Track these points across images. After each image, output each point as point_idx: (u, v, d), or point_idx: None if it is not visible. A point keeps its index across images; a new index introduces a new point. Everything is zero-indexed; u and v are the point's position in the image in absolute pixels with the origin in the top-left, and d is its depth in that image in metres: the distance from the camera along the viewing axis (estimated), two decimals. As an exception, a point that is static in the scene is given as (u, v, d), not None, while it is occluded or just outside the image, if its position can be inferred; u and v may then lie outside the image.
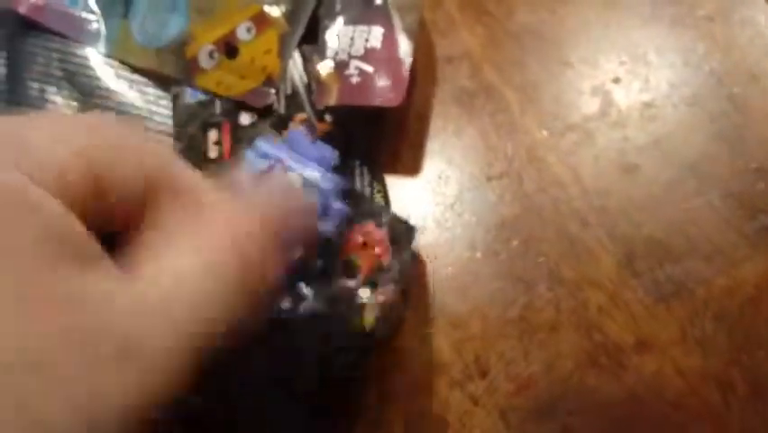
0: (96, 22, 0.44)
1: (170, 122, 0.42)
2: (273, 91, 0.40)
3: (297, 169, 0.26)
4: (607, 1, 0.44)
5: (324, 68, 0.40)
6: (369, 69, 0.39)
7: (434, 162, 0.41)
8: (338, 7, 0.42)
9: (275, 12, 0.42)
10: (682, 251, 0.37)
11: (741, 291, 0.35)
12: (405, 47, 0.40)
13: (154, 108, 0.43)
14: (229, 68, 0.41)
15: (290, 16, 0.42)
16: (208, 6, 0.42)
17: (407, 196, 0.40)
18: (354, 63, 0.40)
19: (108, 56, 0.43)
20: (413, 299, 0.37)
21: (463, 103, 0.42)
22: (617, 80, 0.42)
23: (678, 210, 0.38)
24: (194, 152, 0.41)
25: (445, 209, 0.39)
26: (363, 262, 0.34)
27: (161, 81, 0.43)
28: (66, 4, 0.44)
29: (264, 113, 0.40)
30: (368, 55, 0.40)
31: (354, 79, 0.39)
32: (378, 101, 0.39)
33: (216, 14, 0.42)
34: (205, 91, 0.41)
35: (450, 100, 0.42)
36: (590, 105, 0.41)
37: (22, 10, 0.43)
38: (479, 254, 0.38)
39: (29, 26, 0.44)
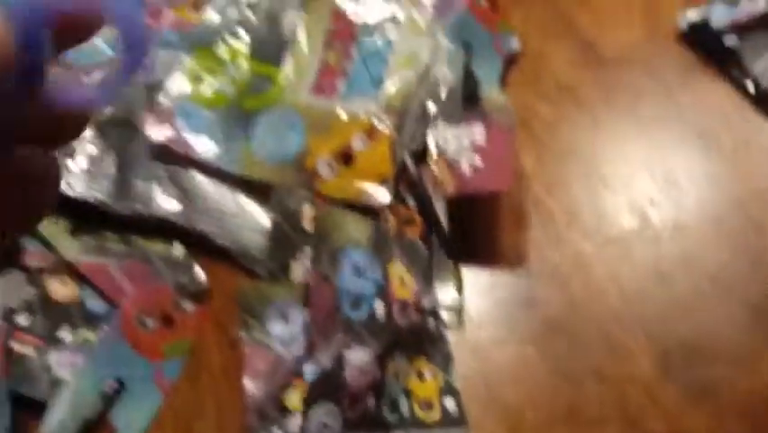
0: (217, 144, 0.52)
1: (259, 226, 0.50)
2: (388, 191, 0.49)
3: None
4: (641, 128, 0.53)
5: (438, 165, 0.49)
6: (478, 161, 0.48)
7: (491, 265, 0.50)
8: (441, 116, 0.51)
9: (384, 124, 0.50)
10: (710, 354, 0.46)
11: (762, 392, 0.45)
12: (506, 140, 0.48)
13: (247, 208, 0.51)
14: (346, 175, 0.49)
15: (398, 126, 0.50)
16: (323, 123, 0.51)
17: (470, 291, 0.49)
18: (464, 158, 0.48)
19: (231, 172, 0.51)
20: (469, 390, 0.46)
21: (516, 215, 0.51)
22: (651, 201, 0.51)
23: (706, 317, 0.47)
24: (290, 224, 0.49)
25: (501, 308, 0.48)
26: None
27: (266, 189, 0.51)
28: (191, 131, 0.52)
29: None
30: (474, 150, 0.48)
31: (467, 173, 0.48)
32: (490, 187, 0.47)
33: (331, 130, 0.51)
34: (326, 197, 0.49)
35: (506, 213, 0.51)
36: (629, 222, 0.51)
37: (155, 138, 0.51)
38: (531, 351, 0.47)
39: (136, 130, 0.52)
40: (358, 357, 0.42)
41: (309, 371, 0.43)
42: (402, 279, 0.46)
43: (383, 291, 0.44)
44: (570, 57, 0.56)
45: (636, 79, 0.55)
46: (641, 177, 0.52)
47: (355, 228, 0.46)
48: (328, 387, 0.42)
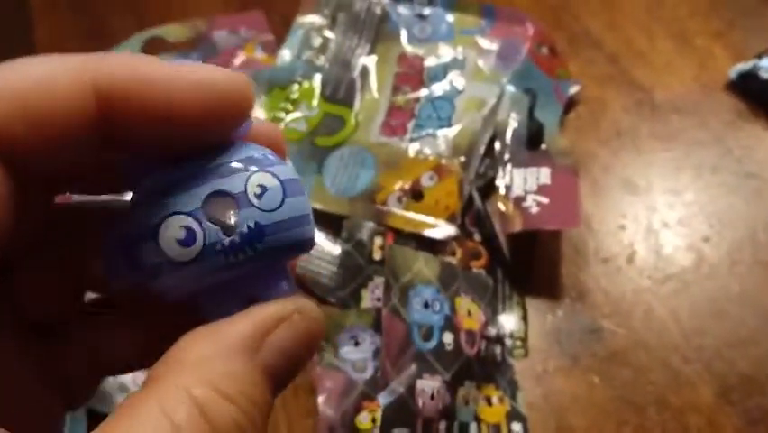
0: None
1: (330, 256, 0.52)
2: (455, 226, 0.51)
3: None
4: (695, 171, 0.56)
5: (505, 203, 0.51)
6: (544, 200, 0.50)
7: (555, 298, 0.52)
8: (507, 156, 0.53)
9: (453, 163, 0.53)
10: (767, 384, 0.48)
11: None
12: (571, 182, 0.51)
13: (320, 239, 0.54)
14: (416, 208, 0.52)
15: (465, 165, 0.53)
16: (393, 161, 0.54)
17: (535, 322, 0.51)
18: (531, 197, 0.51)
19: None
20: (535, 417, 0.47)
21: (577, 252, 0.53)
22: (706, 239, 0.53)
23: (762, 350, 0.49)
24: (360, 253, 0.51)
25: (564, 339, 0.50)
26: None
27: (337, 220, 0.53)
28: None
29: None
30: (541, 190, 0.51)
31: (534, 210, 0.50)
32: (558, 225, 0.50)
33: (401, 167, 0.53)
34: (395, 229, 0.52)
35: (567, 250, 0.53)
36: (685, 259, 0.53)
37: None
38: (595, 379, 0.49)
39: None
40: (429, 385, 0.44)
41: (384, 399, 0.44)
42: (469, 311, 0.48)
43: (451, 323, 0.46)
44: (626, 104, 0.59)
45: (690, 126, 0.58)
46: (696, 217, 0.54)
47: (425, 266, 0.48)
48: (402, 414, 0.44)
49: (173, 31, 0.66)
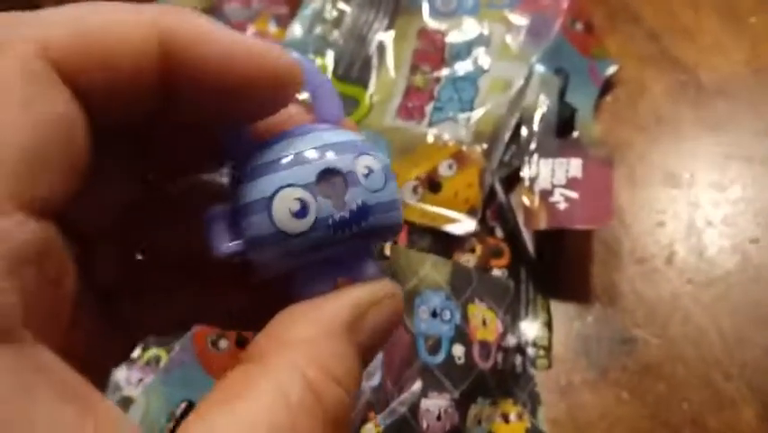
0: None
1: None
2: (475, 220, 0.47)
3: None
4: (743, 164, 0.50)
5: (531, 197, 0.46)
6: (573, 195, 0.45)
7: (583, 301, 0.47)
8: (534, 145, 0.48)
9: (474, 150, 0.48)
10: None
11: None
12: (605, 175, 0.46)
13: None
14: (432, 201, 0.47)
15: (488, 153, 0.48)
16: (409, 147, 0.49)
17: (560, 329, 0.46)
18: (559, 191, 0.46)
19: None
20: (561, 432, 0.43)
21: (611, 250, 0.48)
22: (754, 240, 0.48)
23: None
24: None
25: (593, 348, 0.46)
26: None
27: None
28: None
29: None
30: (571, 183, 0.46)
31: (561, 205, 0.45)
32: (587, 223, 0.45)
33: (418, 154, 0.49)
34: (409, 223, 0.47)
35: (599, 248, 0.48)
36: (731, 262, 0.48)
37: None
38: (625, 395, 0.44)
39: None
40: (435, 404, 0.39)
41: (383, 420, 0.40)
42: (484, 320, 0.43)
43: (463, 334, 0.42)
44: (668, 87, 0.53)
45: (738, 113, 0.52)
46: (744, 215, 0.49)
47: (434, 270, 0.44)
48: (403, 435, 0.39)
49: (185, 2, 0.62)
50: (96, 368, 0.18)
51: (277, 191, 0.17)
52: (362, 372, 0.18)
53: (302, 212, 0.17)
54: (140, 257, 0.22)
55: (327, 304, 0.18)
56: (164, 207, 0.22)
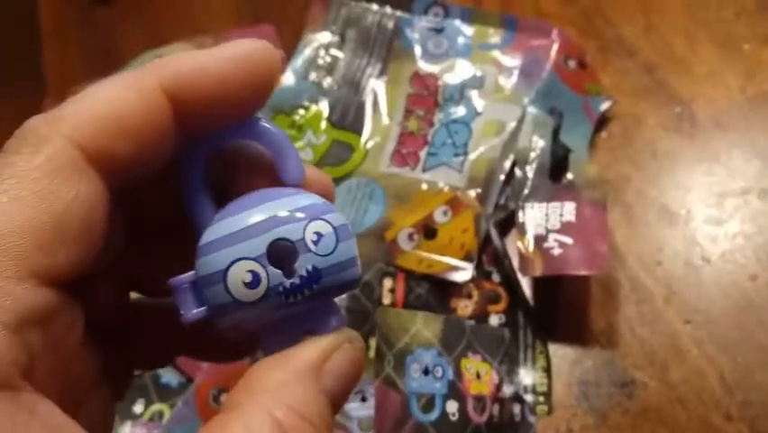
0: None
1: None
2: (472, 265, 0.47)
3: None
4: (742, 200, 0.50)
5: (525, 243, 0.46)
6: (567, 240, 0.45)
7: (582, 345, 0.47)
8: (527, 191, 0.48)
9: (469, 195, 0.48)
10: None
11: None
12: (599, 219, 0.46)
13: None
14: (428, 247, 0.48)
15: (482, 198, 0.48)
16: (404, 194, 0.49)
17: (559, 374, 0.46)
18: (552, 236, 0.46)
19: None
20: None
21: (608, 291, 0.48)
22: (754, 278, 0.48)
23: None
24: (367, 296, 0.47)
25: (592, 392, 0.45)
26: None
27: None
28: None
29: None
30: (564, 228, 0.46)
31: (555, 251, 0.45)
32: (582, 270, 0.45)
33: (413, 201, 0.49)
34: (406, 271, 0.47)
35: (597, 289, 0.48)
36: (729, 300, 0.47)
37: None
38: (626, 438, 0.44)
39: None
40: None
41: None
42: (478, 373, 0.43)
43: (456, 390, 0.42)
44: (663, 120, 0.53)
45: (735, 145, 0.52)
46: (742, 252, 0.48)
47: (425, 327, 0.44)
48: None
49: (179, 49, 0.62)
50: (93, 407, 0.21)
51: (230, 265, 0.19)
52: (333, 417, 0.19)
53: (254, 282, 0.19)
54: (131, 294, 0.24)
55: (293, 353, 0.19)
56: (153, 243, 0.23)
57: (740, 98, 0.54)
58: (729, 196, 0.50)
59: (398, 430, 0.39)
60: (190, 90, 0.19)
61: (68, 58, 0.69)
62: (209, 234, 0.20)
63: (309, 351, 0.19)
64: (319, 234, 0.19)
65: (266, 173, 0.21)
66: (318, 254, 0.19)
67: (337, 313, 0.21)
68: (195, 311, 0.20)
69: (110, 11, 0.70)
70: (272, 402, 0.18)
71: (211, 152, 0.21)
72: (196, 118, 0.20)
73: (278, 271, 0.19)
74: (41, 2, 0.72)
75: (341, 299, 0.48)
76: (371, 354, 0.46)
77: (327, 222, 0.20)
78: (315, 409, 0.18)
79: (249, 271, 0.19)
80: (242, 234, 0.19)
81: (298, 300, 0.19)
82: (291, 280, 0.19)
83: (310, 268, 0.19)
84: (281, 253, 0.19)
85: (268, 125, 0.21)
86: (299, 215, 0.19)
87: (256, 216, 0.19)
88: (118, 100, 0.19)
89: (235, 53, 0.20)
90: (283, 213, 0.19)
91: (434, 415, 0.40)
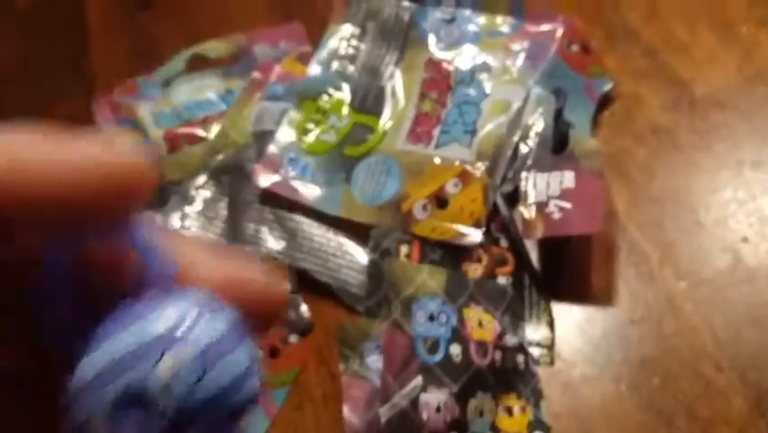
0: (320, 188, 0.56)
1: (358, 265, 0.53)
2: (480, 232, 0.51)
3: None
4: (736, 170, 0.53)
5: (528, 209, 0.50)
6: (567, 205, 0.49)
7: (583, 303, 0.51)
8: (530, 162, 0.52)
9: (477, 168, 0.53)
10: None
11: None
12: (596, 185, 0.50)
13: (348, 248, 0.55)
14: (441, 216, 0.52)
15: (490, 170, 0.53)
16: (418, 169, 0.54)
17: (562, 329, 0.50)
18: (553, 202, 0.50)
19: (332, 214, 0.55)
20: (561, 426, 0.47)
21: (608, 255, 0.52)
22: (745, 240, 0.51)
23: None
24: (386, 261, 0.52)
25: (592, 346, 0.49)
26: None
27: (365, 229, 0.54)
28: (296, 177, 0.56)
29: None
30: (564, 194, 0.50)
31: (556, 215, 0.49)
32: (579, 230, 0.49)
33: (427, 175, 0.53)
34: (421, 238, 0.52)
35: (598, 253, 0.52)
36: (722, 262, 0.51)
37: (264, 184, 0.56)
38: (623, 388, 0.47)
39: (246, 177, 0.57)
40: (435, 398, 0.44)
41: (385, 414, 0.45)
42: (480, 321, 0.47)
43: (459, 334, 0.46)
44: (663, 100, 0.57)
45: (731, 123, 0.55)
46: (735, 218, 0.52)
47: (429, 278, 0.48)
48: (405, 428, 0.44)
49: (215, 47, 0.68)
50: None
51: (83, 425, 0.16)
52: None
53: None
54: None
55: None
56: None
57: (737, 78, 0.57)
58: (724, 168, 0.54)
59: (406, 369, 0.43)
60: (15, 192, 0.15)
61: (114, 57, 0.75)
62: (70, 384, 0.17)
63: None
64: (179, 366, 0.16)
65: (133, 280, 0.18)
66: (182, 389, 0.16)
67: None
68: None
69: (152, 12, 0.76)
70: None
71: (72, 256, 0.17)
72: (27, 220, 0.15)
73: (134, 426, 0.16)
74: (87, 5, 0.78)
75: (361, 266, 0.52)
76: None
77: (191, 344, 0.16)
78: None
79: (103, 429, 0.16)
80: (89, 388, 0.16)
81: None
82: (159, 428, 0.16)
83: (174, 408, 0.16)
84: (134, 404, 0.16)
85: (134, 226, 0.17)
86: (149, 348, 0.16)
87: (99, 361, 0.16)
88: None
89: (89, 157, 0.15)
90: (129, 351, 0.16)
91: (439, 356, 0.44)
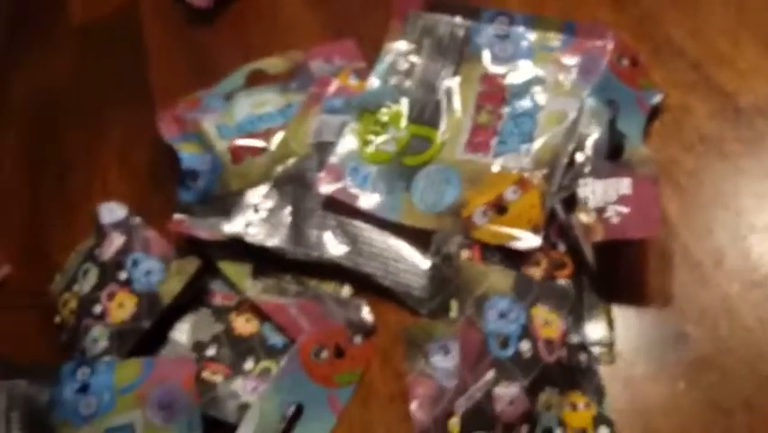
0: (380, 196, 0.58)
1: (419, 269, 0.56)
2: (539, 236, 0.53)
3: None
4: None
5: (587, 214, 0.52)
6: (624, 210, 0.51)
7: (641, 305, 0.52)
8: (588, 168, 0.55)
9: (535, 176, 0.55)
10: None
11: None
12: (652, 190, 0.52)
13: (408, 253, 0.57)
14: (500, 222, 0.54)
15: (547, 177, 0.55)
16: (478, 177, 0.56)
17: (621, 329, 0.52)
18: (611, 207, 0.51)
19: (393, 220, 0.57)
20: (623, 422, 0.48)
21: (663, 259, 0.54)
22: (797, 243, 0.53)
23: None
24: (448, 266, 0.54)
25: (651, 345, 0.51)
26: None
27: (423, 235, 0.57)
28: (357, 185, 0.58)
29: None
30: (621, 200, 0.52)
31: (615, 220, 0.51)
32: (638, 234, 0.51)
33: (485, 183, 0.56)
34: (481, 242, 0.54)
35: (653, 257, 0.54)
36: (775, 264, 0.53)
37: (327, 191, 0.59)
38: (681, 384, 0.49)
39: (308, 185, 0.60)
40: (507, 391, 0.46)
41: (461, 405, 0.47)
42: (547, 320, 0.49)
43: (528, 331, 0.48)
44: (710, 110, 0.59)
45: (777, 130, 0.57)
46: (784, 221, 0.54)
47: (498, 279, 0.51)
48: (480, 419, 0.46)
49: (273, 63, 0.71)
50: None
51: None
52: None
53: None
54: None
55: None
56: None
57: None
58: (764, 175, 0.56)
59: (479, 363, 0.46)
60: None
61: (172, 72, 0.78)
62: None
63: None
64: None
65: None
66: None
67: None
68: None
69: (208, 28, 0.79)
70: None
71: None
72: None
73: None
74: (144, 21, 0.81)
75: (422, 270, 0.55)
76: (452, 314, 0.52)
77: None
78: None
79: None
80: None
81: None
82: None
83: None
84: None
85: None
86: None
87: None
88: None
89: None
90: None
91: (510, 351, 0.46)
